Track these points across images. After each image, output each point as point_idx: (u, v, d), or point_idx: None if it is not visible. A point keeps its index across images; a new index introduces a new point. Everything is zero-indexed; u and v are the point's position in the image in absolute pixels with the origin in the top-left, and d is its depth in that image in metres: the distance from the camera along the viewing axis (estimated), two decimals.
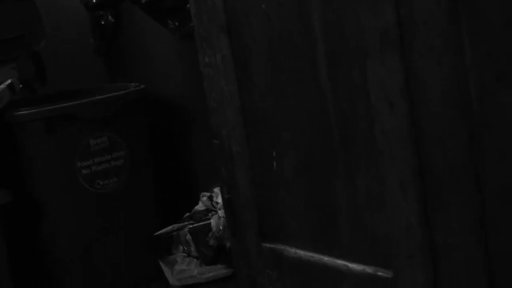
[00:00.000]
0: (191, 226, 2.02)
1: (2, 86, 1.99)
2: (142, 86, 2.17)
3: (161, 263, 2.06)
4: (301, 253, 1.45)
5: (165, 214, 2.17)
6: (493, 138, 1.05)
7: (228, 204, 1.66)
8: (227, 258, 1.85)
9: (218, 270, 1.96)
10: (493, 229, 1.08)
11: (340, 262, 1.36)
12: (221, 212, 1.92)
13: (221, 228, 1.93)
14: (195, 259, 2.01)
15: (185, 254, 2.05)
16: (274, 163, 1.49)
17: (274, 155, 1.49)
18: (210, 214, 2.02)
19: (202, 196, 2.10)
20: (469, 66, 1.06)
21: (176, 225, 2.08)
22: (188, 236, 2.02)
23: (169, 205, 2.24)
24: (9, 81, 2.01)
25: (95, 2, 2.39)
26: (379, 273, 1.27)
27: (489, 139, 1.05)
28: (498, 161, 1.05)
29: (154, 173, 2.16)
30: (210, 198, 2.07)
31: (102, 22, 2.38)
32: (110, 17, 2.37)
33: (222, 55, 1.56)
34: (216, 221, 1.96)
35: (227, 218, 1.68)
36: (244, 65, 1.51)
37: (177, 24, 2.23)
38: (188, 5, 1.74)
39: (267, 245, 1.54)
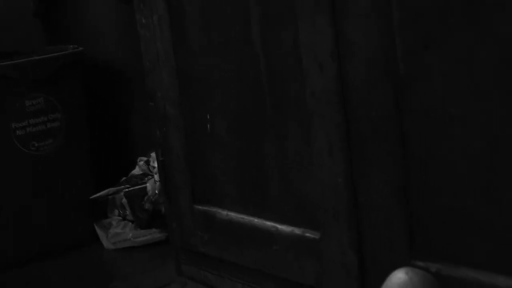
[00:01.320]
0: (127, 190, 2.01)
1: None
2: (80, 48, 2.14)
3: (96, 227, 2.05)
4: (233, 215, 1.46)
5: (101, 178, 2.15)
6: (418, 100, 1.07)
7: (162, 166, 1.66)
8: (162, 222, 1.85)
9: (153, 234, 1.96)
10: (415, 190, 1.10)
11: (269, 223, 1.37)
12: (157, 177, 1.92)
13: (156, 192, 1.93)
14: (130, 223, 2.00)
15: (120, 218, 2.04)
16: (208, 125, 1.49)
17: (208, 117, 1.49)
18: (146, 179, 2.01)
19: (139, 161, 2.10)
20: (396, 29, 1.07)
21: (112, 189, 2.07)
22: (124, 200, 2.01)
23: (106, 169, 2.22)
24: None
25: None
26: (307, 234, 1.29)
27: (414, 100, 1.07)
28: (422, 122, 1.07)
29: (91, 136, 2.15)
30: (147, 162, 2.06)
31: None
32: None
33: (159, 16, 1.55)
34: (152, 185, 1.96)
35: (161, 181, 1.68)
36: (179, 27, 1.51)
37: None
38: None
39: (200, 207, 1.55)
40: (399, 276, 1.01)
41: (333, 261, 1.24)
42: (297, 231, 1.31)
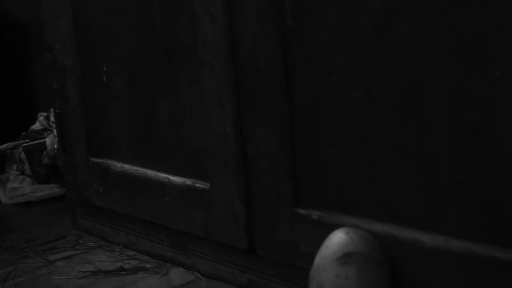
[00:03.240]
0: (25, 144, 1.98)
1: None
2: None
3: None
4: (127, 167, 1.47)
5: (1, 133, 2.11)
6: (304, 52, 1.09)
7: (58, 119, 1.64)
8: (61, 177, 1.83)
9: (51, 189, 1.94)
10: (300, 140, 1.13)
11: (162, 175, 1.38)
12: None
13: (55, 147, 1.91)
14: (28, 178, 1.98)
15: (19, 173, 2.01)
16: (104, 77, 1.49)
17: (104, 69, 1.48)
18: (46, 134, 1.99)
19: (40, 116, 2.06)
20: None
21: (11, 144, 2.03)
22: (23, 155, 1.98)
23: (6, 124, 2.19)
24: None
25: None
26: (197, 185, 1.31)
27: (300, 52, 1.09)
28: (307, 74, 1.09)
29: None
30: (47, 117, 2.03)
31: None
32: None
33: None
34: (51, 140, 1.94)
35: (57, 133, 1.67)
36: None
37: None
38: None
39: (95, 159, 1.54)
40: (339, 236, 1.01)
41: (222, 211, 1.26)
42: (188, 182, 1.33)
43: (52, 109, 2.05)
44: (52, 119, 2.01)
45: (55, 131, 1.96)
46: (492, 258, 0.92)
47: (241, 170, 1.21)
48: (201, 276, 1.34)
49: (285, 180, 1.15)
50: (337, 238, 1.01)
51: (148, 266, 1.42)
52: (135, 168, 1.45)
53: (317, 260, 1.03)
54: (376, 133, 1.02)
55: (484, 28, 0.88)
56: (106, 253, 1.50)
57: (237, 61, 1.17)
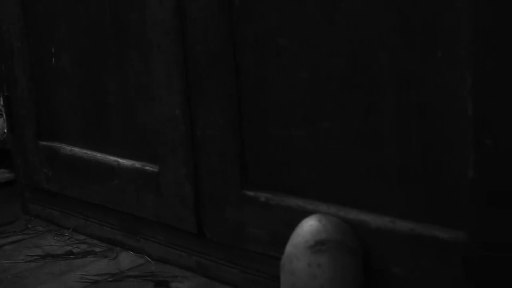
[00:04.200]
0: None
1: None
2: None
3: None
4: (76, 150, 1.45)
5: None
6: (251, 32, 1.08)
7: (7, 101, 1.62)
8: (11, 162, 1.81)
9: (2, 174, 1.91)
10: (248, 122, 1.12)
11: (112, 158, 1.37)
12: None
13: (5, 131, 1.88)
14: None
15: None
16: (53, 58, 1.47)
17: (53, 50, 1.46)
18: None
19: None
20: None
21: None
22: None
23: None
24: None
25: None
26: (147, 168, 1.29)
27: (248, 33, 1.09)
28: (255, 54, 1.09)
29: None
30: None
31: None
32: None
33: None
34: (1, 124, 1.91)
35: (6, 117, 1.64)
36: None
37: None
38: None
39: (44, 143, 1.52)
40: (311, 223, 0.98)
41: (171, 194, 1.25)
42: (137, 164, 1.31)
43: (0, 92, 2.02)
44: (1, 102, 1.98)
45: (4, 115, 1.93)
46: (435, 238, 0.93)
47: (190, 152, 1.20)
48: (150, 260, 1.33)
49: (233, 163, 1.14)
50: (309, 226, 0.98)
51: (98, 250, 1.40)
52: (84, 151, 1.43)
53: (289, 248, 0.99)
54: (323, 114, 1.02)
55: (428, 8, 0.88)
56: (56, 237, 1.48)
57: (185, 41, 1.16)
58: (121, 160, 1.35)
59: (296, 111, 1.05)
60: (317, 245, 0.96)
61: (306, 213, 1.05)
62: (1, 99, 2.01)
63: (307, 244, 0.97)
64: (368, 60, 0.95)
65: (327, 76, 1.00)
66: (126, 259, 1.35)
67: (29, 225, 1.57)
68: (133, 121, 1.32)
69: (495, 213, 0.86)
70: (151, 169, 1.29)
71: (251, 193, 1.13)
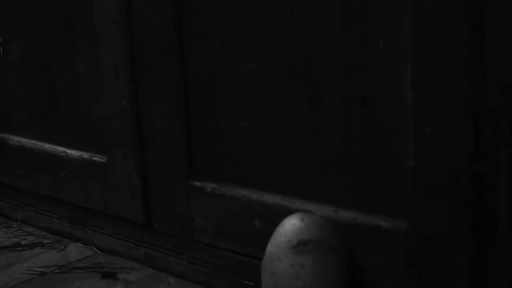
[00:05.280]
0: None
1: None
2: None
3: None
4: (24, 141, 1.43)
5: None
6: (199, 22, 1.08)
7: None
8: None
9: None
10: (195, 113, 1.12)
11: (60, 149, 1.36)
12: None
13: None
14: None
15: None
16: (1, 48, 1.45)
17: (0, 39, 1.44)
18: None
19: None
20: None
21: None
22: None
23: None
24: None
25: None
26: (95, 158, 1.29)
27: (195, 23, 1.09)
28: (202, 45, 1.09)
29: None
30: None
31: None
32: None
33: None
34: None
35: None
36: None
37: None
38: None
39: None
40: (293, 222, 0.95)
41: (119, 185, 1.25)
42: (85, 155, 1.31)
43: None
44: None
45: None
46: (377, 227, 0.93)
47: (138, 143, 1.20)
48: (98, 251, 1.32)
49: (180, 153, 1.14)
50: (292, 225, 0.95)
51: (46, 241, 1.39)
52: (32, 142, 1.42)
53: (270, 248, 0.96)
54: (269, 104, 1.02)
55: None
56: (3, 229, 1.47)
57: (132, 31, 1.16)
58: (69, 151, 1.34)
59: (243, 102, 1.05)
60: (300, 245, 0.94)
61: (251, 203, 1.06)
62: None
63: (289, 244, 0.94)
64: (312, 50, 0.96)
65: (273, 66, 1.01)
66: (74, 251, 1.34)
67: None
68: (81, 112, 1.31)
69: (435, 202, 0.87)
70: (99, 159, 1.28)
71: (198, 184, 1.13)
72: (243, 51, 1.04)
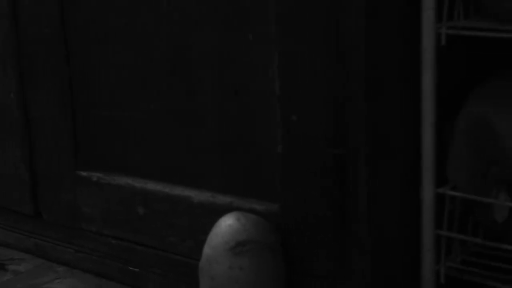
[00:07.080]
0: None
1: None
2: None
3: None
4: None
5: None
6: (82, 16, 1.11)
7: None
8: None
9: None
10: (80, 105, 1.15)
11: None
12: None
13: None
14: None
15: None
16: None
17: None
18: None
19: None
20: None
21: None
22: None
23: None
24: None
25: None
26: None
27: (78, 17, 1.12)
28: (85, 38, 1.12)
29: None
30: None
31: None
32: None
33: None
34: None
35: None
36: None
37: None
38: None
39: None
40: (229, 223, 0.93)
41: (9, 176, 1.26)
42: None
43: None
44: None
45: None
46: (252, 210, 0.99)
47: (25, 135, 1.22)
48: None
49: (67, 144, 1.17)
50: (228, 226, 0.93)
51: None
52: None
53: (207, 250, 0.94)
54: (148, 96, 1.07)
55: None
56: None
57: (22, 27, 1.18)
58: None
59: (123, 94, 1.09)
60: (238, 247, 0.92)
61: (135, 191, 1.10)
62: None
63: (227, 246, 0.92)
64: (188, 42, 1.01)
65: (151, 59, 1.05)
66: None
67: None
68: None
69: (303, 184, 0.93)
70: None
71: (84, 173, 1.16)
72: (123, 45, 1.07)
